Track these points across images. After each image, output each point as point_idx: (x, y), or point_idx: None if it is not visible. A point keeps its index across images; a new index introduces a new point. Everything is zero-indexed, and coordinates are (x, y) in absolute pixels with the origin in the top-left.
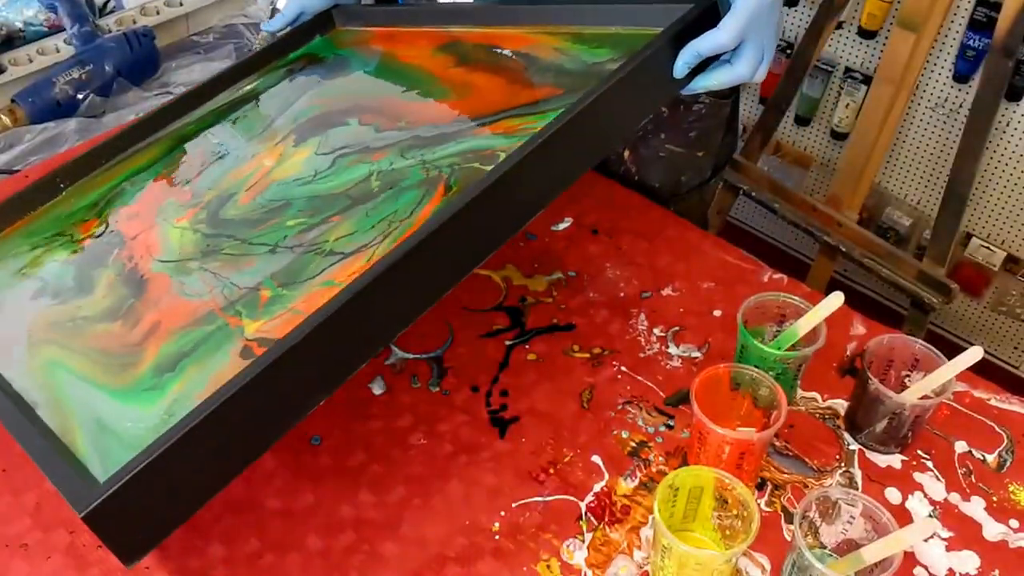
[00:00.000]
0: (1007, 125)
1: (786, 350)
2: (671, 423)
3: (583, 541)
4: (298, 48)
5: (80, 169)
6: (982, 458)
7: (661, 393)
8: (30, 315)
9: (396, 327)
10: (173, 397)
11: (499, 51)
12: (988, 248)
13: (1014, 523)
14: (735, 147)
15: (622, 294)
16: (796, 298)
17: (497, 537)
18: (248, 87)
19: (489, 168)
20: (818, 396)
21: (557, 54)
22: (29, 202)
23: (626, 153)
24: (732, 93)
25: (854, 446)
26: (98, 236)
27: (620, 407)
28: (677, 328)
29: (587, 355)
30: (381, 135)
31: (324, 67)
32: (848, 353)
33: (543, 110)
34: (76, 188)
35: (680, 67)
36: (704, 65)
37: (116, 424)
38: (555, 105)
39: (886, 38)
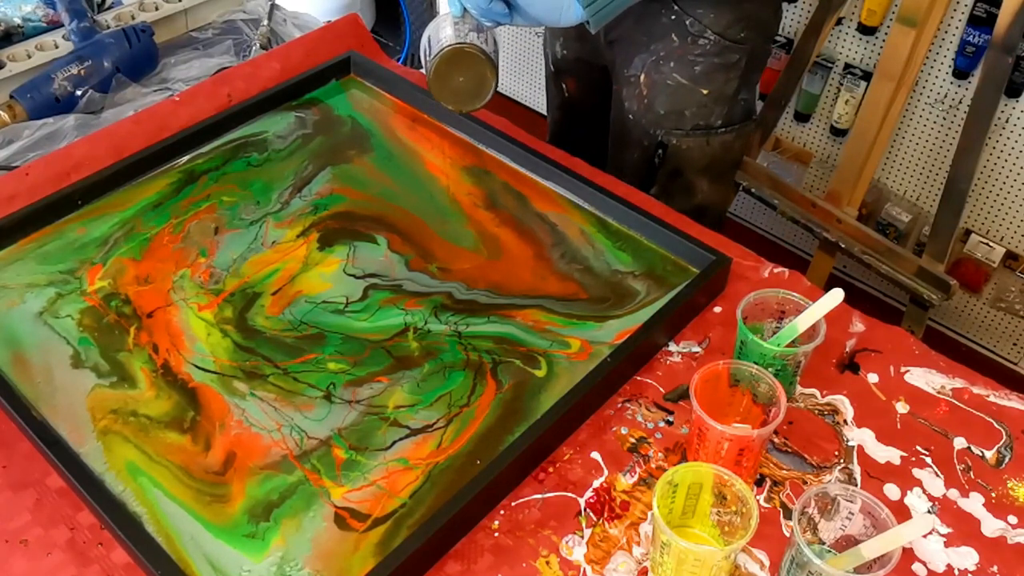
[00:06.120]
0: (1007, 121)
1: (785, 346)
2: (670, 419)
3: (582, 537)
4: (313, 90)
5: (95, 190)
6: (981, 454)
7: (660, 389)
8: (79, 385)
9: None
10: (279, 554)
11: (527, 206)
12: (987, 244)
13: (1013, 519)
14: (752, 108)
15: None
16: (796, 295)
17: (497, 534)
18: (258, 127)
19: (531, 369)
20: (817, 392)
21: (583, 239)
22: (43, 217)
23: (642, 76)
24: (743, 41)
25: (853, 442)
26: (107, 299)
27: (620, 403)
28: None
29: None
30: (412, 276)
31: (340, 134)
32: (848, 349)
33: (568, 314)
34: (88, 209)
35: None
36: None
37: (229, 569)
38: (580, 311)
39: (886, 34)
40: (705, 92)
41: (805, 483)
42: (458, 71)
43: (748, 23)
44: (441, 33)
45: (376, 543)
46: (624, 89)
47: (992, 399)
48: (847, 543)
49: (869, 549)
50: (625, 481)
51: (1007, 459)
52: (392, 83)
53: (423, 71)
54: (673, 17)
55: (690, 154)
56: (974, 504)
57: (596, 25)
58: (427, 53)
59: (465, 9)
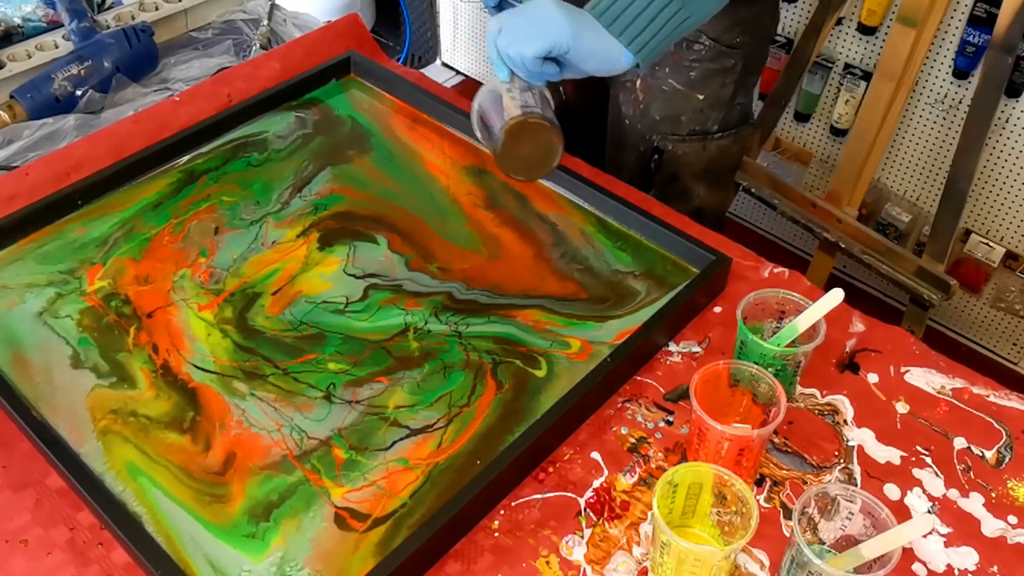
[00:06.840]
0: (1007, 121)
1: (785, 346)
2: (670, 419)
3: (582, 537)
4: (313, 90)
5: (95, 190)
6: (981, 454)
7: (660, 389)
8: (79, 386)
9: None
10: (279, 554)
11: (527, 206)
12: (987, 244)
13: (1012, 519)
14: (749, 112)
15: None
16: (796, 295)
17: (497, 534)
18: (258, 127)
19: (531, 370)
20: (817, 392)
21: (583, 239)
22: (43, 217)
23: (638, 82)
24: (739, 46)
25: (853, 442)
26: (107, 299)
27: (620, 403)
28: None
29: None
30: (412, 276)
31: (340, 134)
32: (848, 349)
33: (569, 314)
34: (88, 209)
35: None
36: None
37: (229, 570)
38: (580, 311)
39: (886, 34)
40: (701, 97)
41: (805, 483)
42: (524, 142)
43: (744, 27)
44: (496, 105)
45: (376, 543)
46: (620, 94)
47: (992, 399)
48: (847, 543)
49: (869, 549)
50: (625, 481)
51: (1007, 459)
52: (392, 83)
53: (484, 146)
54: None
55: (686, 159)
56: (974, 504)
57: (646, 67)
58: (484, 127)
59: (512, 72)
